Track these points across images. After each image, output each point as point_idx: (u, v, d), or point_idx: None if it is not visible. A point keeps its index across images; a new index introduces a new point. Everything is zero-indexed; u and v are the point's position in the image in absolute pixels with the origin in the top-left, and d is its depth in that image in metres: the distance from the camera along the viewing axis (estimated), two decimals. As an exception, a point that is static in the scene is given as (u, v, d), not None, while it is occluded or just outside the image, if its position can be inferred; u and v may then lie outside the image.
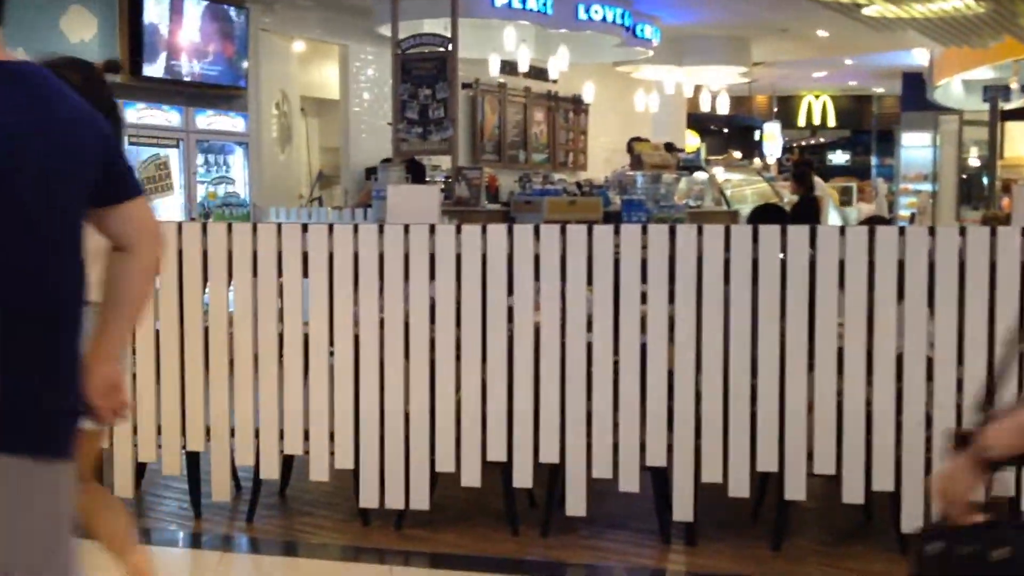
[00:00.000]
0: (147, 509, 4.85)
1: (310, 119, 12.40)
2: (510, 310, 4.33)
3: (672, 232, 4.24)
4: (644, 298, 4.24)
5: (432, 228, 4.41)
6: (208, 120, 9.26)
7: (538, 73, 12.39)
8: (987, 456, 1.74)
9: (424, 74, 9.12)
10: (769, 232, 4.17)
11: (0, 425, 1.82)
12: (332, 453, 4.47)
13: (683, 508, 4.24)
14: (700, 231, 4.22)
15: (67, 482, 1.96)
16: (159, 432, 4.61)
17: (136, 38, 8.52)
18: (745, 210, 9.99)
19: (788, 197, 10.46)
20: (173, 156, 8.95)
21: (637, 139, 10.88)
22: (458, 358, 4.37)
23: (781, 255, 4.15)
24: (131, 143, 8.52)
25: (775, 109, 21.68)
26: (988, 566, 1.66)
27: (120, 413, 2.20)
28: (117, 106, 3.15)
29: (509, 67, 11.55)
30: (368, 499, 4.47)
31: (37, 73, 1.92)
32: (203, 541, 4.53)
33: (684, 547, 4.30)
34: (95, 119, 2.01)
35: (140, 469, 4.80)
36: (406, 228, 4.41)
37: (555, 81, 12.70)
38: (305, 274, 4.47)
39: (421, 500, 4.42)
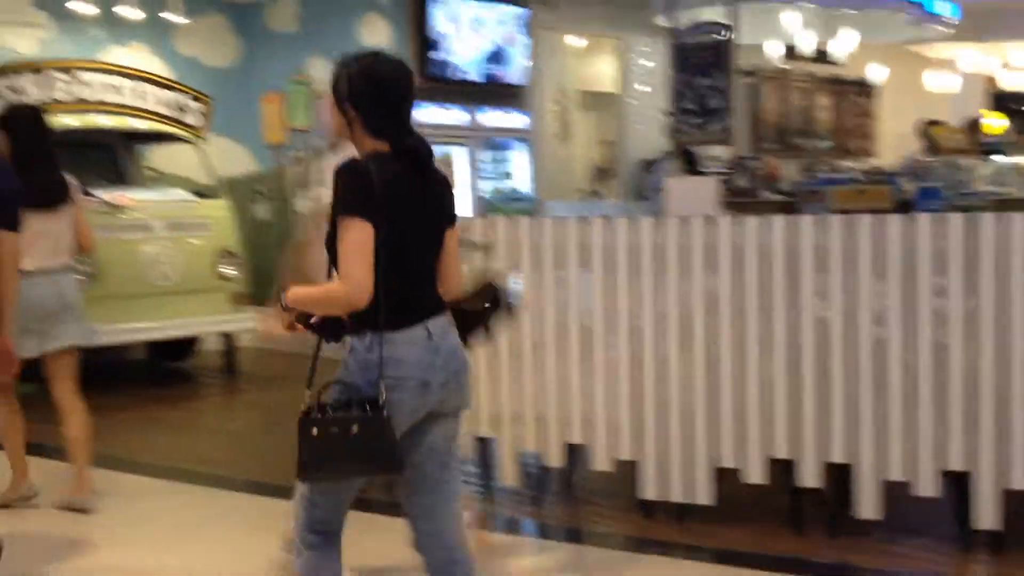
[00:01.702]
0: (439, 491, 5.11)
1: (588, 113, 12.56)
2: (794, 303, 4.22)
3: (972, 221, 3.98)
4: (940, 292, 4.01)
5: (710, 220, 4.36)
6: (491, 118, 9.59)
7: (822, 56, 11.93)
8: (285, 306, 2.66)
9: (702, 63, 9.01)
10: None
11: None
12: (614, 444, 4.53)
13: (986, 515, 3.97)
14: (1004, 220, 3.93)
15: None
16: (450, 418, 4.83)
17: (425, 42, 8.95)
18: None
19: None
20: (459, 154, 9.34)
21: (932, 122, 10.26)
22: (740, 352, 4.30)
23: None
24: (421, 142, 8.96)
25: (1090, 84, 19.73)
26: (349, 439, 2.56)
27: (8, 372, 3.88)
28: None
29: (791, 52, 11.20)
30: (650, 491, 4.50)
31: None
32: (493, 524, 4.72)
33: (988, 557, 4.04)
34: None
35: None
36: (684, 220, 4.39)
37: (841, 64, 12.18)
38: (585, 266, 4.55)
39: (704, 495, 4.40)
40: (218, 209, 8.26)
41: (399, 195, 2.64)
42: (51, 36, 8.86)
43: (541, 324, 4.64)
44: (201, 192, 8.50)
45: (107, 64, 8.63)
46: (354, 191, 2.59)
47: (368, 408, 2.58)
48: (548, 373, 4.64)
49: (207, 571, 4.15)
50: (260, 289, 9.32)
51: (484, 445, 4.89)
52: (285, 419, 7.00)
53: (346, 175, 2.61)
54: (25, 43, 8.74)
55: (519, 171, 9.92)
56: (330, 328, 2.70)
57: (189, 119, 8.63)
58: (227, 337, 8.41)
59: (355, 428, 2.56)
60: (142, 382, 8.56)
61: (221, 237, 8.13)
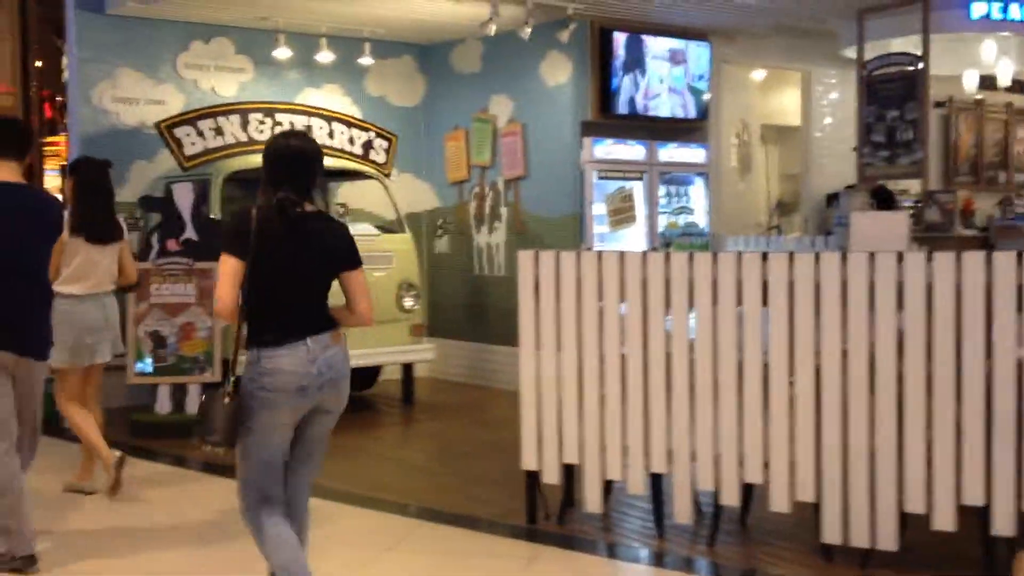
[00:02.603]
0: (613, 525, 5.09)
1: (769, 147, 12.33)
2: (987, 343, 4.02)
3: None
4: None
5: (900, 256, 4.21)
6: (670, 153, 9.53)
7: (1022, 87, 11.38)
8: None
9: (891, 95, 8.74)
10: None
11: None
12: (792, 485, 4.41)
13: None
14: None
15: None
16: (625, 452, 4.82)
17: (606, 78, 9.01)
18: None
19: None
20: (637, 188, 9.32)
21: None
22: (929, 394, 4.12)
23: None
24: (600, 177, 9.02)
25: None
26: (210, 411, 3.45)
27: None
28: None
29: (988, 82, 10.71)
30: (831, 534, 4.35)
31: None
32: (665, 561, 4.66)
33: None
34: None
35: (607, 486, 5.05)
36: (871, 256, 4.25)
37: (1042, 94, 11.58)
38: (765, 302, 4.46)
39: (888, 540, 4.22)
40: (402, 243, 8.51)
41: (272, 239, 3.39)
42: (250, 79, 9.39)
43: (718, 360, 4.58)
44: (386, 227, 8.79)
45: (302, 105, 9.07)
46: (229, 233, 3.45)
47: (228, 393, 3.40)
48: (725, 410, 4.56)
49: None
50: (437, 320, 9.57)
51: (658, 481, 4.84)
52: (458, 448, 7.14)
53: (229, 220, 3.40)
54: (227, 87, 9.28)
55: (698, 206, 9.82)
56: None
57: (376, 156, 8.96)
58: (406, 367, 8.63)
59: (204, 399, 3.47)
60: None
61: (404, 270, 8.38)
